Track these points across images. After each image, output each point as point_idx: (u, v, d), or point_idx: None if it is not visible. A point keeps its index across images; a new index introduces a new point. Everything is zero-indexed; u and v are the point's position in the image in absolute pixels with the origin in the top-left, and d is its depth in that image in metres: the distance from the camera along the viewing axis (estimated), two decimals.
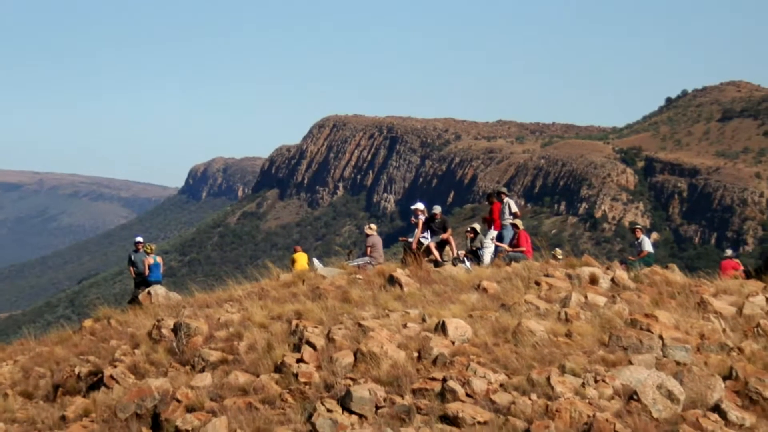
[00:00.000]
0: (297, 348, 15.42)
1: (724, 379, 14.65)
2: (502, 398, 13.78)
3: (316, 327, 16.01)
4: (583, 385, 14.16)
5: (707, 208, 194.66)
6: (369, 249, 23.16)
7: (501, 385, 14.12)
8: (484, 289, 18.23)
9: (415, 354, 14.99)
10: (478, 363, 14.61)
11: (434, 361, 14.76)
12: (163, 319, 17.52)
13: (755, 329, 17.08)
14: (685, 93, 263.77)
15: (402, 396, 13.94)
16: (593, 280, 18.90)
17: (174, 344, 16.52)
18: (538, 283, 18.53)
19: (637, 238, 25.63)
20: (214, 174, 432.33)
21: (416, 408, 13.62)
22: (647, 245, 25.35)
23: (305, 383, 14.49)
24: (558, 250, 25.23)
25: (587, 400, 13.77)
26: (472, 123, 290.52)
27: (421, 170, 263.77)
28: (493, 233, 23.09)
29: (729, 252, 30.49)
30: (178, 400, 14.39)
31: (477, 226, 23.85)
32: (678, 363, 15.14)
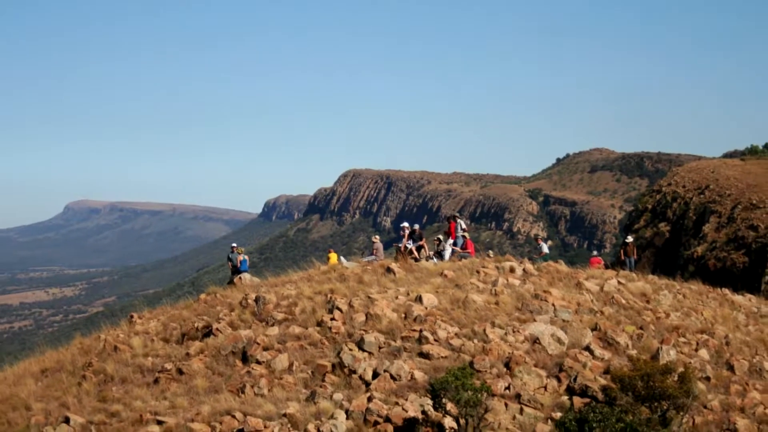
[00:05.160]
0: (330, 311, 15.45)
1: (592, 330, 14.72)
2: (456, 342, 13.82)
3: (342, 298, 16.04)
4: (505, 334, 14.21)
5: (582, 225, 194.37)
6: (374, 251, 23.13)
7: (455, 334, 14.15)
8: (445, 275, 18.24)
9: (403, 315, 15.03)
10: (441, 320, 14.64)
11: (415, 319, 14.81)
12: (248, 294, 17.54)
13: (611, 300, 17.17)
14: (568, 155, 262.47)
15: (395, 341, 13.97)
16: (512, 270, 18.93)
17: (255, 309, 16.55)
18: (478, 272, 18.55)
19: (539, 244, 25.64)
20: (280, 205, 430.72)
21: (404, 348, 13.65)
22: (545, 248, 25.35)
23: (335, 333, 14.53)
24: (490, 252, 25.15)
25: (508, 343, 13.82)
26: (438, 173, 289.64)
27: (407, 203, 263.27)
28: (451, 241, 23.05)
29: (595, 253, 30.56)
30: (258, 343, 14.42)
31: (441, 237, 23.83)
32: (564, 320, 15.20)
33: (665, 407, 11.26)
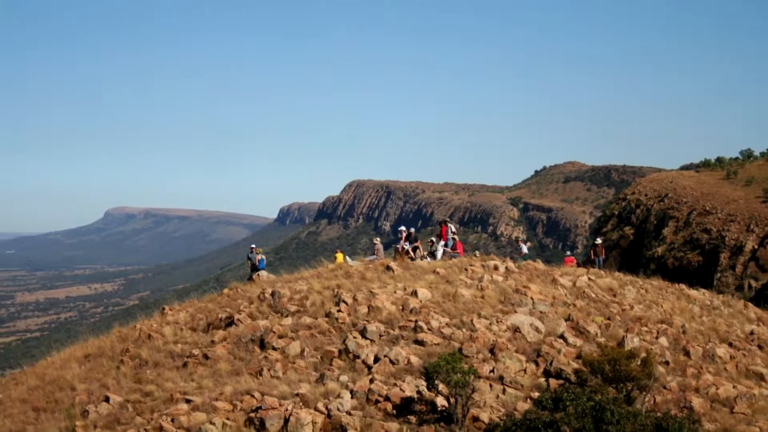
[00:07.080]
0: (337, 304, 15.42)
1: (566, 320, 14.72)
2: (447, 331, 13.81)
3: (347, 292, 16.01)
4: (490, 323, 14.21)
5: (557, 229, 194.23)
6: (376, 251, 23.09)
7: (446, 324, 14.15)
8: (437, 273, 18.21)
9: (401, 307, 15.02)
10: (434, 312, 14.64)
11: (411, 311, 14.80)
12: (265, 288, 17.50)
13: (582, 294, 17.15)
14: (544, 167, 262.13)
15: (393, 330, 13.96)
16: (496, 268, 18.92)
17: (271, 302, 16.52)
18: (466, 270, 18.54)
19: (519, 246, 25.64)
20: (293, 210, 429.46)
21: (401, 336, 13.64)
22: (524, 249, 25.34)
23: (341, 323, 14.51)
24: (477, 252, 25.16)
25: (492, 332, 13.82)
26: (431, 183, 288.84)
27: (404, 209, 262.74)
28: (442, 243, 23.01)
29: (568, 253, 30.67)
30: (274, 332, 14.38)
31: (434, 239, 23.81)
32: (541, 312, 15.19)
33: (630, 388, 11.28)
